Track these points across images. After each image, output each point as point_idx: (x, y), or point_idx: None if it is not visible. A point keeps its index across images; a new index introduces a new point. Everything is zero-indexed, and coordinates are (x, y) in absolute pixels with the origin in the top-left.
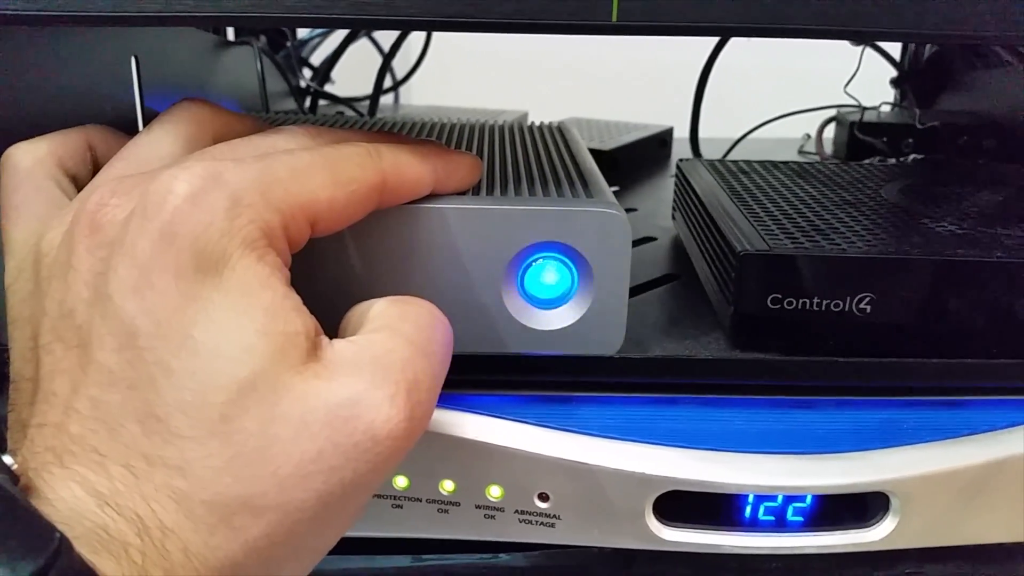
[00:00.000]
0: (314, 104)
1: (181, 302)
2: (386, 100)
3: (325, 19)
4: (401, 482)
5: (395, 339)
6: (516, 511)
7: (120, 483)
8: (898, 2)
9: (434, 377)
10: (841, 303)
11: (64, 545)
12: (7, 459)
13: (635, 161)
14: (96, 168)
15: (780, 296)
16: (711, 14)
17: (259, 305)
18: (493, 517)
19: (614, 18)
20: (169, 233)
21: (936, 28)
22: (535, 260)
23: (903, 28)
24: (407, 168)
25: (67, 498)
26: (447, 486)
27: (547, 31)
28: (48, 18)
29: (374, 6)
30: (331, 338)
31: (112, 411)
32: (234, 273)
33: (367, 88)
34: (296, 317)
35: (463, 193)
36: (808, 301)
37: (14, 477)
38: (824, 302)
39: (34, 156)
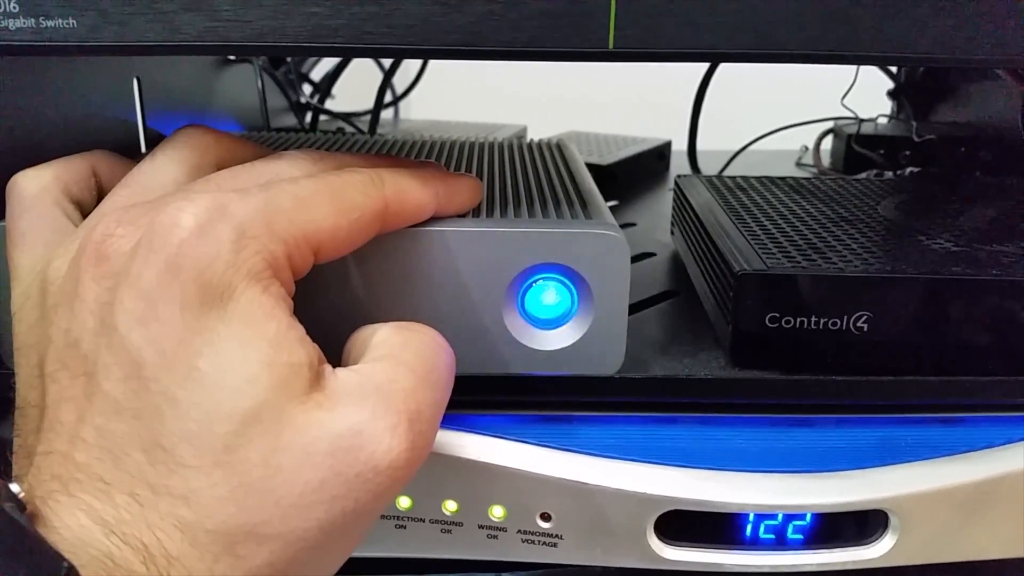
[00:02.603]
0: (315, 120)
1: (186, 334)
2: (385, 115)
3: (326, 48)
4: (404, 502)
5: (398, 369)
6: (518, 531)
7: (125, 512)
8: (890, 27)
9: (436, 406)
10: (839, 321)
11: (72, 574)
12: (15, 487)
13: (633, 175)
14: (101, 194)
15: (778, 315)
16: (706, 40)
17: (263, 336)
18: (496, 537)
19: (611, 45)
20: (175, 265)
21: (928, 52)
22: (535, 281)
23: (895, 52)
24: (409, 194)
25: (73, 526)
26: (450, 506)
27: (545, 58)
28: (55, 48)
29: (374, 35)
30: (333, 361)
31: (117, 440)
32: (239, 305)
33: (366, 102)
34: (300, 348)
35: (464, 215)
36: (806, 320)
37: (21, 505)
38: (822, 321)
39: (40, 183)
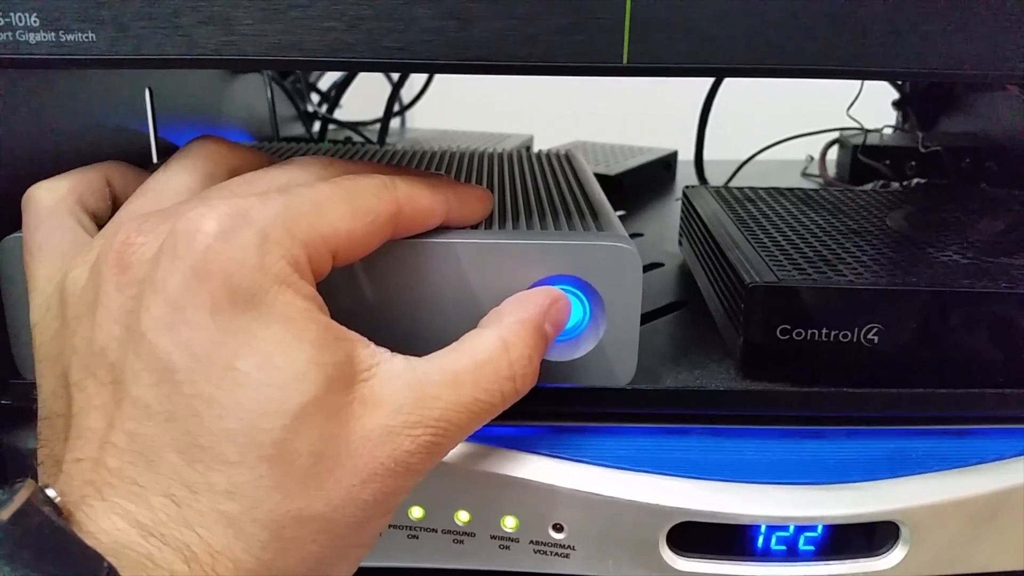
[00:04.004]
0: (323, 129)
1: (219, 336)
2: (392, 123)
3: (343, 63)
4: (416, 512)
5: (449, 389)
6: (531, 542)
7: (162, 513)
8: (901, 42)
9: (465, 430)
10: (849, 334)
11: (112, 575)
12: (51, 492)
13: (640, 185)
14: (115, 204)
15: (789, 327)
16: (719, 55)
17: (306, 338)
18: (508, 548)
19: (625, 60)
20: (202, 271)
21: (938, 67)
22: None
23: (906, 67)
24: (420, 198)
25: (110, 530)
26: (462, 517)
27: (560, 73)
28: (74, 62)
29: (391, 49)
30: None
31: (150, 443)
32: (273, 308)
33: (371, 110)
34: (340, 347)
35: (475, 227)
36: (817, 332)
37: (58, 509)
38: (833, 333)
39: (55, 194)
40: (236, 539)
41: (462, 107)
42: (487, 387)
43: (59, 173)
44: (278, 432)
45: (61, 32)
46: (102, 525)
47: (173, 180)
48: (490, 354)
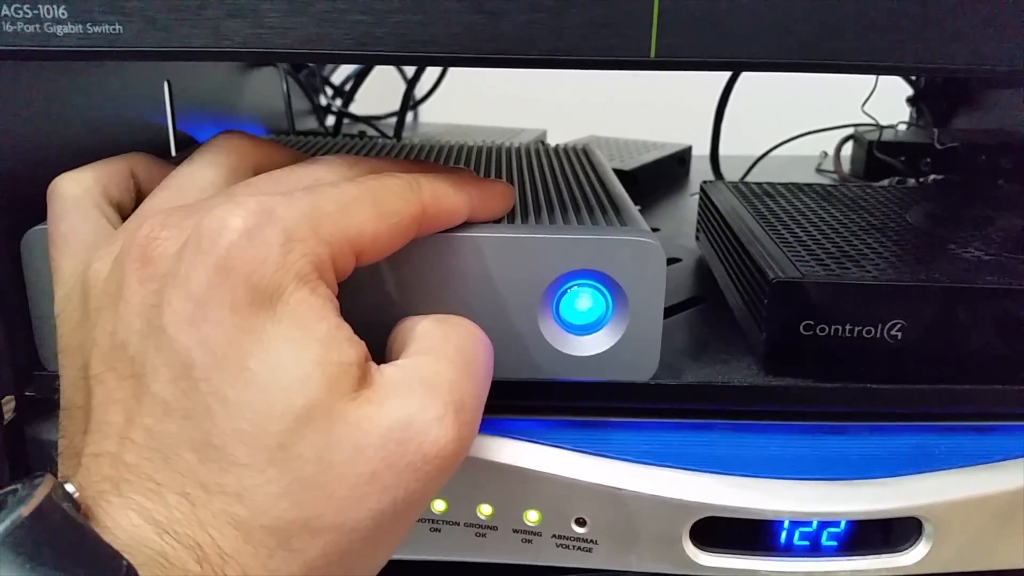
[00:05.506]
0: (338, 123)
1: (236, 334)
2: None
3: (371, 56)
4: (439, 506)
5: (440, 361)
6: (553, 536)
7: (177, 511)
8: (930, 38)
9: (478, 396)
10: (872, 330)
11: (131, 573)
12: (70, 487)
13: (655, 180)
14: (139, 195)
15: (812, 323)
16: (747, 49)
17: (314, 337)
18: (530, 541)
19: (652, 54)
20: (225, 267)
21: (966, 62)
22: (570, 287)
23: (935, 63)
24: (445, 198)
25: (126, 526)
26: (485, 510)
27: (587, 67)
28: (101, 54)
29: (417, 43)
30: (372, 358)
31: (167, 440)
32: (288, 306)
33: (383, 104)
34: (349, 347)
35: (497, 221)
36: (840, 328)
37: (76, 505)
38: (856, 329)
39: (80, 185)
40: (245, 543)
41: (473, 101)
42: (462, 334)
43: (79, 165)
44: (283, 435)
45: (89, 24)
46: (119, 521)
47: (198, 174)
48: (443, 320)
